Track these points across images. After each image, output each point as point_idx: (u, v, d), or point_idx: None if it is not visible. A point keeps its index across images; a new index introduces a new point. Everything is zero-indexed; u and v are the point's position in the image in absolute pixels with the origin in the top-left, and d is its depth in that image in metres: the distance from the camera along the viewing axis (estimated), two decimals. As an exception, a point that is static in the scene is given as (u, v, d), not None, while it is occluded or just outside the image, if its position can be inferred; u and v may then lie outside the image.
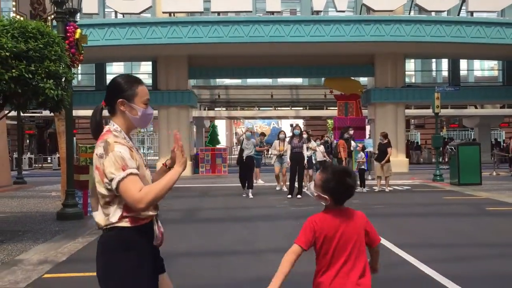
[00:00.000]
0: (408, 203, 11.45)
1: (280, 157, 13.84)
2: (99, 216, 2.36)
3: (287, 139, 13.29)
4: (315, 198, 2.56)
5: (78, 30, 8.76)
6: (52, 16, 12.49)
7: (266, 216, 9.55)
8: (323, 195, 2.49)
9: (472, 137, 35.95)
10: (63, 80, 7.27)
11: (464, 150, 14.63)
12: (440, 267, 5.26)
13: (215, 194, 13.78)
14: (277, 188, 14.10)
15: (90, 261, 5.89)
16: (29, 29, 6.86)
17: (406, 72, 25.44)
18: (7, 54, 6.37)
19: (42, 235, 7.46)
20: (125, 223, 2.31)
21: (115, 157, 2.27)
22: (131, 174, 2.25)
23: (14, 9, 14.08)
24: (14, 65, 6.43)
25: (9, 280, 5.00)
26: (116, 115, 2.44)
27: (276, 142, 14.07)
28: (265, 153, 22.09)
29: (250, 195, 12.39)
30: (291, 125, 36.19)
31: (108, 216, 2.32)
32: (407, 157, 24.03)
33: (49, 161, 32.38)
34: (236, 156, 14.38)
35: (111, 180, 2.26)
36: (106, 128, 2.42)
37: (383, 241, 6.77)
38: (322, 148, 15.84)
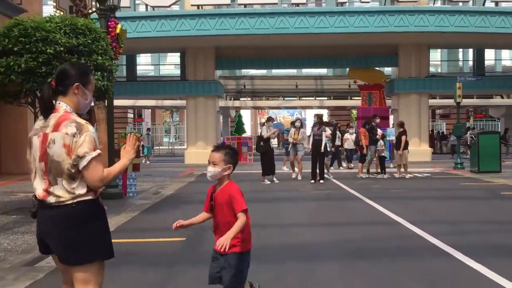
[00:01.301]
0: (426, 188, 11.96)
1: (294, 145, 13.96)
2: (60, 191, 2.51)
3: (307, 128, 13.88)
4: (221, 173, 3.12)
5: (119, 25, 9.55)
6: (91, 11, 13.36)
7: (289, 198, 10.23)
8: (229, 167, 3.12)
9: (498, 127, 35.76)
10: (108, 72, 8.04)
11: (484, 138, 14.99)
12: (447, 239, 5.86)
13: (241, 179, 14.49)
14: (293, 176, 14.08)
15: (134, 231, 6.73)
16: (79, 26, 7.66)
17: (432, 62, 25.60)
18: (61, 49, 7.18)
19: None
20: (91, 196, 2.54)
21: (89, 137, 2.49)
22: (99, 154, 2.52)
23: (54, 4, 15.01)
24: (67, 58, 7.23)
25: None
26: (67, 96, 2.61)
27: (292, 130, 14.24)
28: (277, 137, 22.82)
29: (276, 180, 13.08)
30: (315, 115, 36.71)
31: (73, 190, 2.51)
32: (430, 147, 24.31)
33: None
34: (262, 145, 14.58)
35: (81, 157, 2.47)
36: (61, 108, 2.59)
37: (398, 219, 7.41)
38: (353, 136, 16.41)
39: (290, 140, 14.16)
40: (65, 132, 2.48)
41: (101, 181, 2.51)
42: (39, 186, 2.58)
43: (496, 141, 14.92)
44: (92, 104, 10.96)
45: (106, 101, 10.26)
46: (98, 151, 2.51)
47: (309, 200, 9.86)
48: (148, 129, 26.96)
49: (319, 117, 14.59)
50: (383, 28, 19.61)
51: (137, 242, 6.11)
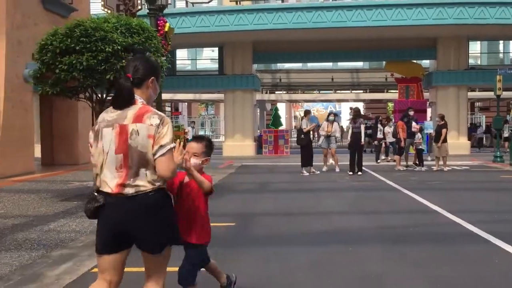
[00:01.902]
0: (463, 180, 12.09)
1: (327, 138, 14.17)
2: (142, 182, 2.54)
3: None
4: (201, 164, 3.17)
5: (167, 24, 10.10)
6: (138, 8, 14.00)
7: (329, 189, 10.59)
8: (207, 159, 3.22)
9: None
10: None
11: (525, 131, 14.86)
12: (485, 227, 6.13)
13: (280, 171, 14.95)
14: (323, 169, 14.13)
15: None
16: (133, 25, 8.20)
17: (471, 54, 25.25)
18: (118, 47, 7.74)
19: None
20: (164, 185, 2.64)
21: (171, 128, 2.58)
22: (174, 147, 2.62)
23: (102, 2, 15.74)
24: (123, 56, 7.79)
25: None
26: (141, 89, 2.65)
27: (325, 123, 14.39)
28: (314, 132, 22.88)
29: (316, 171, 13.48)
30: (351, 108, 36.69)
31: (154, 180, 2.56)
32: (469, 140, 24.08)
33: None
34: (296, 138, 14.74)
35: (161, 146, 2.52)
36: (138, 100, 2.63)
37: (436, 208, 7.68)
38: (391, 129, 16.54)
39: (323, 133, 14.35)
40: (149, 123, 2.52)
41: (173, 172, 2.56)
42: (110, 180, 2.55)
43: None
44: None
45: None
46: (174, 144, 2.59)
47: (348, 191, 10.19)
48: (193, 122, 27.50)
49: (356, 110, 14.81)
50: (422, 21, 19.56)
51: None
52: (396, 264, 4.70)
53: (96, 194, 2.57)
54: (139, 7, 14.02)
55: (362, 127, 13.50)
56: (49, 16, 13.08)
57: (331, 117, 14.40)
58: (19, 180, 10.71)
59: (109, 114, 2.62)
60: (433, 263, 4.73)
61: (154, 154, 2.51)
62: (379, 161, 17.50)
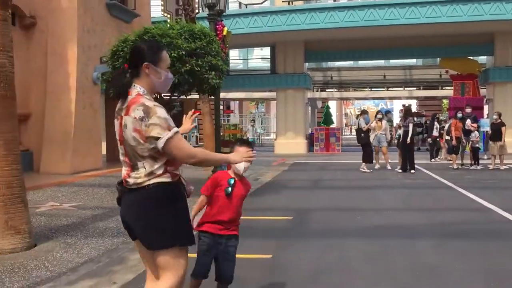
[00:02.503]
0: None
1: (377, 136, 14.10)
2: (138, 173, 2.49)
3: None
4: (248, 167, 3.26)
5: (225, 28, 10.63)
6: (196, 12, 14.66)
7: (382, 186, 10.79)
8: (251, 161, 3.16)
9: None
10: (220, 71, 9.09)
11: None
12: (540, 225, 6.23)
13: (333, 168, 15.20)
14: (375, 167, 14.20)
15: (246, 210, 7.76)
16: (195, 31, 8.76)
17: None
18: (183, 52, 8.31)
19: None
20: (167, 178, 2.49)
21: (158, 119, 2.40)
22: (177, 132, 2.45)
23: (162, 7, 16.55)
24: (187, 61, 8.36)
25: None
26: (140, 78, 2.53)
27: (374, 122, 14.33)
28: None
29: (367, 170, 13.68)
30: (403, 105, 36.19)
31: (149, 173, 2.47)
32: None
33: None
34: (348, 136, 15.02)
35: (156, 139, 2.40)
36: (134, 90, 2.51)
37: (491, 206, 7.77)
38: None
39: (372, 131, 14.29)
40: (133, 116, 2.44)
41: (190, 157, 2.46)
42: (123, 170, 2.60)
43: None
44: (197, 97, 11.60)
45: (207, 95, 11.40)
46: (175, 129, 2.44)
47: (402, 188, 10.36)
48: (253, 121, 26.91)
49: (406, 109, 14.85)
50: (478, 17, 19.16)
51: (251, 219, 7.07)
52: (449, 257, 4.94)
53: (117, 185, 2.63)
54: (197, 11, 14.68)
55: (411, 125, 13.53)
56: (115, 22, 13.95)
57: (379, 116, 14.47)
58: (90, 175, 11.57)
59: (118, 105, 2.62)
60: (485, 257, 4.94)
61: (154, 148, 2.44)
62: (433, 159, 17.34)
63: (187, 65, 8.34)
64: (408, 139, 13.31)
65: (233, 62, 36.21)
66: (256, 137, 22.50)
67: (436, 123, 17.87)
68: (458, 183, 10.63)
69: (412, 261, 4.81)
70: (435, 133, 17.63)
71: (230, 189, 3.27)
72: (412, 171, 13.23)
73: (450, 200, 8.71)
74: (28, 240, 5.15)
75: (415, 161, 13.71)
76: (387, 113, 22.23)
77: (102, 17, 13.37)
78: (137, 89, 2.51)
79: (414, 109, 41.71)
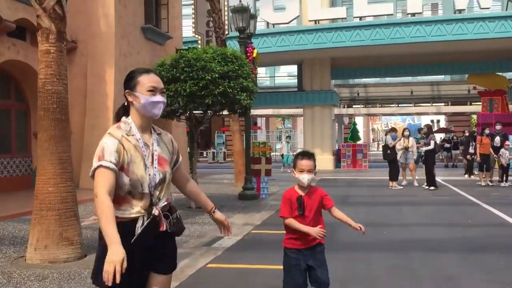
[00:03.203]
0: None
1: (405, 152, 14.39)
2: None
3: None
4: (313, 178, 3.38)
5: (255, 51, 11.14)
6: (226, 33, 15.25)
7: (409, 202, 11.02)
8: (315, 172, 3.40)
9: None
10: (250, 92, 9.57)
11: None
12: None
13: (360, 185, 15.45)
14: (403, 183, 14.43)
15: (275, 225, 8.06)
16: (228, 55, 9.28)
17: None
18: (216, 75, 8.83)
19: (236, 208, 9.93)
20: (118, 213, 2.28)
21: (99, 147, 2.32)
22: (101, 166, 2.26)
23: (193, 29, 17.26)
24: (220, 83, 8.87)
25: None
26: (131, 108, 2.48)
27: (402, 139, 14.56)
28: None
29: (399, 187, 13.89)
30: (432, 121, 36.07)
31: None
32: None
33: (204, 155, 36.61)
34: (375, 151, 15.33)
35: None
36: (122, 121, 2.47)
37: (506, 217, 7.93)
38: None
39: (399, 147, 14.44)
40: None
41: (95, 196, 2.23)
42: None
43: None
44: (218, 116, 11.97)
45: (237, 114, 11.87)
46: (100, 162, 2.27)
47: (428, 204, 10.57)
48: (288, 137, 25.47)
49: (427, 126, 15.09)
50: (505, 34, 19.24)
51: (282, 233, 7.45)
52: (472, 270, 5.21)
53: None
54: (227, 32, 15.30)
55: (432, 142, 13.72)
56: (149, 44, 14.68)
57: (406, 133, 14.63)
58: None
59: None
60: (508, 270, 5.19)
61: None
62: (471, 175, 17.14)
63: (220, 87, 8.84)
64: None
65: (260, 79, 36.87)
66: (291, 154, 22.77)
67: (472, 140, 17.81)
68: (484, 200, 10.78)
69: (434, 273, 5.10)
70: (471, 149, 17.51)
71: (300, 209, 3.34)
72: (432, 188, 13.30)
73: (474, 216, 8.89)
74: (80, 251, 5.66)
75: (444, 177, 13.87)
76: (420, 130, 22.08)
77: (137, 40, 14.10)
78: (123, 119, 2.48)
79: (442, 125, 41.42)
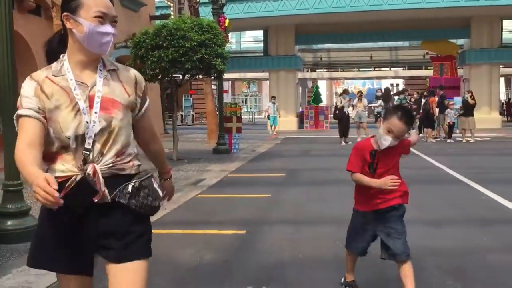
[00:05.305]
0: (477, 148, 13.93)
1: (358, 112, 16.16)
2: None
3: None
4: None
5: (227, 20, 12.36)
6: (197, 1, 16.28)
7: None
8: None
9: None
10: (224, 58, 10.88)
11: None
12: (470, 175, 8.20)
13: (320, 142, 17.15)
14: (358, 140, 16.43)
15: (249, 171, 9.68)
16: (204, 25, 10.52)
17: (506, 29, 26.26)
18: (195, 43, 10.07)
19: (212, 160, 11.40)
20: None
21: (20, 96, 1.84)
22: (18, 115, 1.80)
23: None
24: (198, 50, 10.12)
25: (210, 177, 8.83)
26: (69, 37, 1.87)
27: (356, 100, 16.31)
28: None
29: (349, 142, 15.60)
30: (391, 85, 38.04)
31: None
32: (500, 115, 25.36)
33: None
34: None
35: None
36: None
37: (440, 165, 9.75)
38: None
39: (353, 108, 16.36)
40: None
41: (15, 151, 1.76)
42: None
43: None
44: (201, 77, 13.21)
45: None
46: (21, 110, 1.81)
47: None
48: (273, 97, 22.14)
49: (386, 89, 16.90)
50: (455, 3, 20.96)
51: (254, 176, 9.00)
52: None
53: None
54: (198, 1, 16.32)
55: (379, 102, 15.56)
56: (125, 11, 15.57)
57: (359, 94, 16.48)
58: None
59: None
60: (424, 194, 6.89)
61: None
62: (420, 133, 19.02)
63: (198, 53, 10.12)
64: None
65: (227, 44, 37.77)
66: (278, 115, 21.02)
67: (423, 100, 19.63)
68: (424, 152, 12.61)
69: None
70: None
71: (372, 166, 2.95)
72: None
73: (411, 164, 10.67)
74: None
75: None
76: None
77: (115, 8, 14.98)
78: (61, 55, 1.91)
79: (401, 87, 43.60)
